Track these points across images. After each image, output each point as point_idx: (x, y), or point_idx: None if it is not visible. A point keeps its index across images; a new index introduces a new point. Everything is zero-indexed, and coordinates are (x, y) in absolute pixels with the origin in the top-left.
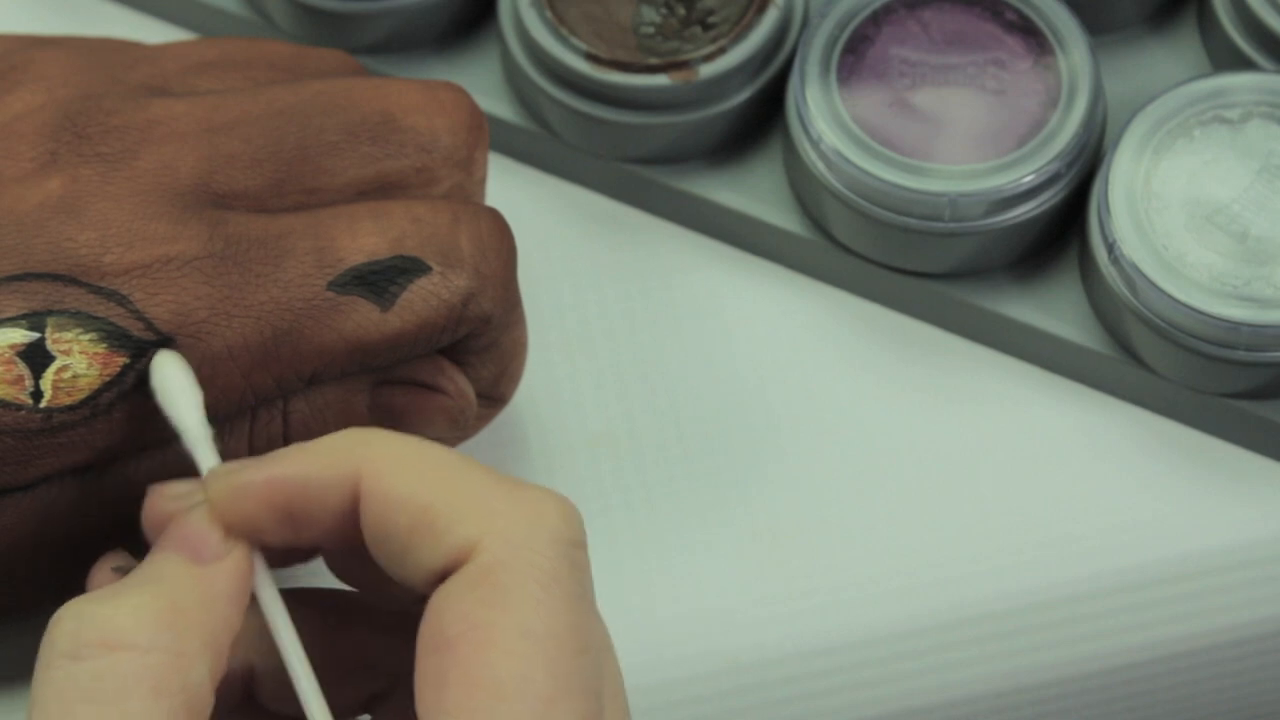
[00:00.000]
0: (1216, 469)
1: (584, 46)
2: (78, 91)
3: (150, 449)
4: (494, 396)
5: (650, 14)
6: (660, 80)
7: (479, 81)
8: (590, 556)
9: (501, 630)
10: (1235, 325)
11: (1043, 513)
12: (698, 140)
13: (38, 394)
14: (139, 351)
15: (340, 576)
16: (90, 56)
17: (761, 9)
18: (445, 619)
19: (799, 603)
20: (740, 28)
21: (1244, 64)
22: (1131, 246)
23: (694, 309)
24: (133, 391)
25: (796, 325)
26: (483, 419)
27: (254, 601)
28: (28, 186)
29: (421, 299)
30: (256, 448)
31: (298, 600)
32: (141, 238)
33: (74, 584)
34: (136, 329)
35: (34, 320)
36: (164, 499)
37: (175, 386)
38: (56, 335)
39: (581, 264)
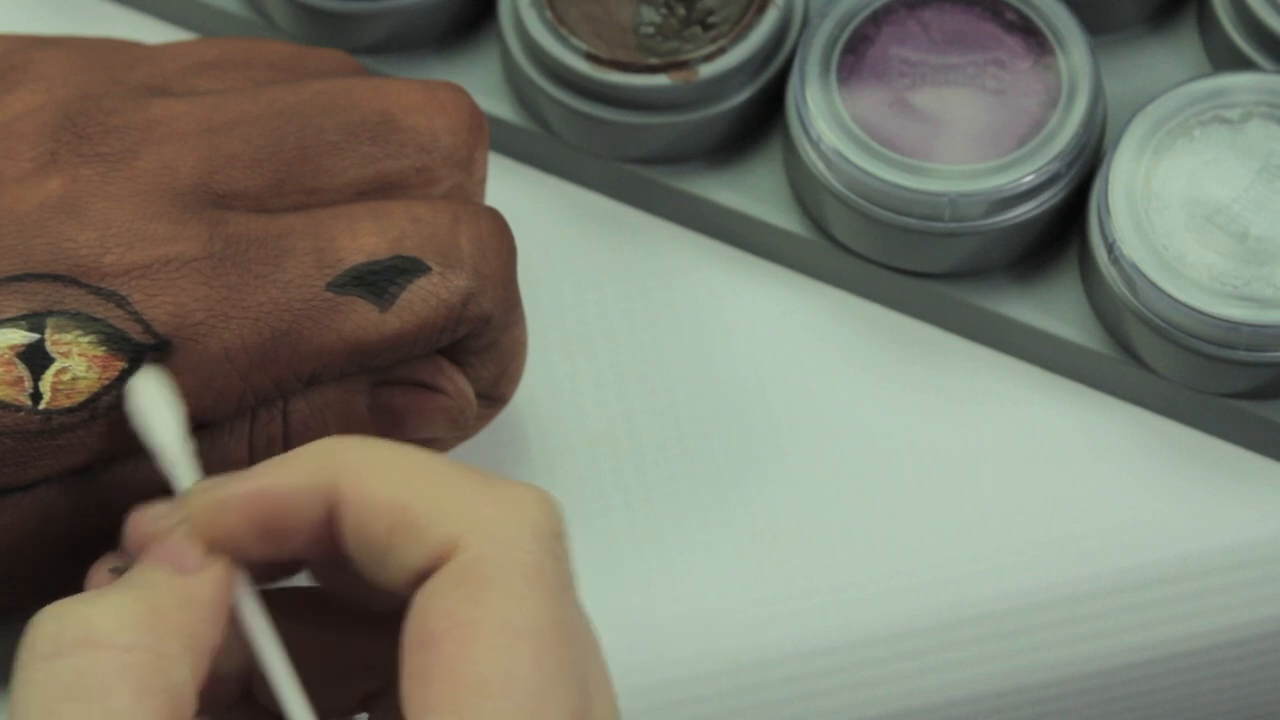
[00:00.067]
0: (1216, 469)
1: (584, 46)
2: (78, 91)
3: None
4: (494, 396)
5: (650, 14)
6: (660, 80)
7: (479, 81)
8: (590, 556)
9: (486, 626)
10: (1235, 325)
11: (1043, 513)
12: (698, 140)
13: (37, 395)
14: (137, 355)
15: (325, 588)
16: (90, 56)
17: (761, 9)
18: (429, 616)
19: (799, 603)
20: (740, 28)
21: (1244, 64)
22: (1131, 246)
23: (694, 309)
24: None
25: (796, 325)
26: (483, 419)
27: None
28: (28, 186)
29: (421, 299)
30: (256, 448)
31: (293, 600)
32: (141, 238)
33: (74, 584)
34: (135, 332)
35: (34, 321)
36: (145, 521)
37: (149, 408)
38: (56, 337)
39: (581, 264)
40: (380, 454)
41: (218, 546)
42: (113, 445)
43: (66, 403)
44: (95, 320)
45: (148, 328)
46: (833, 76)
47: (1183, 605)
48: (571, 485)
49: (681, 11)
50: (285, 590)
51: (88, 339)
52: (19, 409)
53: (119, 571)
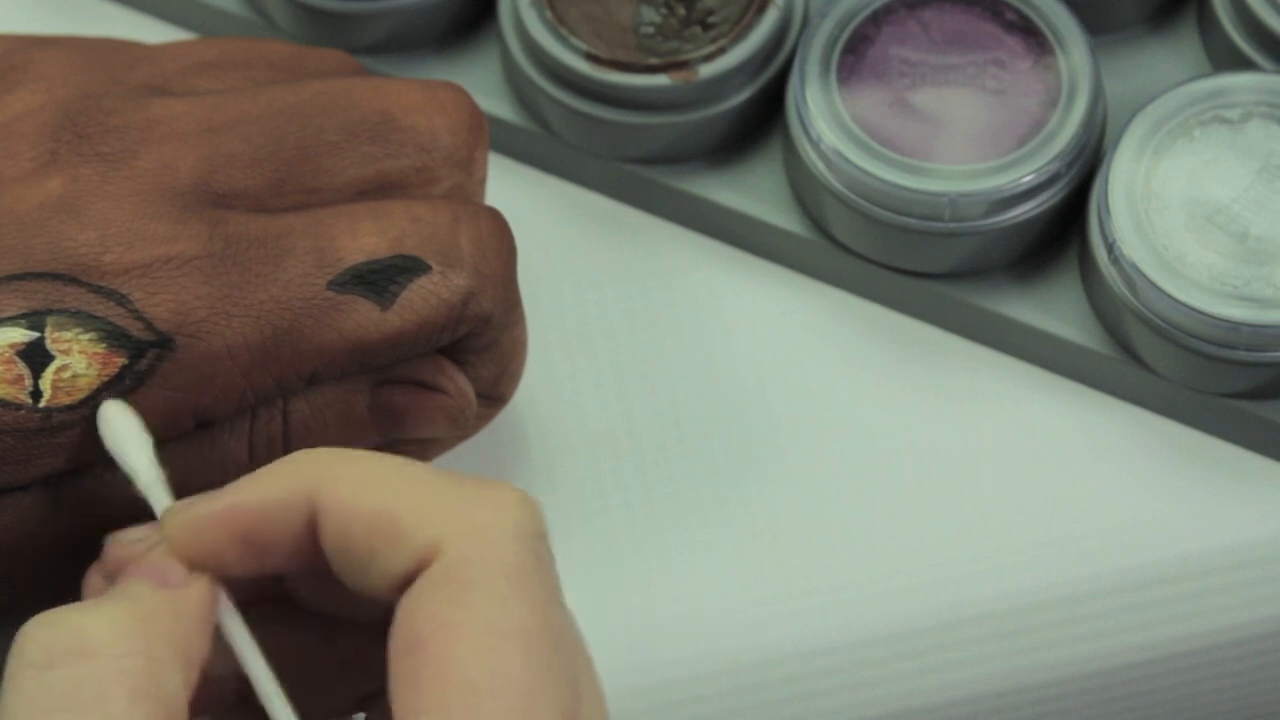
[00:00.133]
0: (1216, 469)
1: (584, 46)
2: (78, 91)
3: None
4: (494, 396)
5: (650, 14)
6: (660, 80)
7: (479, 81)
8: (590, 556)
9: (472, 628)
10: (1235, 325)
11: (1043, 513)
12: (698, 140)
13: (37, 393)
14: (138, 351)
15: (311, 603)
16: (90, 56)
17: (761, 9)
18: (415, 620)
19: (799, 603)
20: (740, 28)
21: (1244, 64)
22: (1131, 246)
23: (694, 309)
24: (131, 392)
25: (796, 325)
26: (483, 419)
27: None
28: (28, 186)
29: (421, 298)
30: (256, 447)
31: (288, 603)
32: (141, 237)
33: (74, 584)
34: (136, 329)
35: (34, 320)
36: (123, 546)
37: (123, 433)
38: (56, 335)
39: (581, 264)
40: (357, 462)
41: (198, 565)
42: None
43: (67, 400)
44: (95, 318)
45: (149, 325)
46: (833, 76)
47: (1183, 605)
48: (571, 485)
49: (681, 11)
50: (276, 595)
51: (88, 336)
52: (19, 407)
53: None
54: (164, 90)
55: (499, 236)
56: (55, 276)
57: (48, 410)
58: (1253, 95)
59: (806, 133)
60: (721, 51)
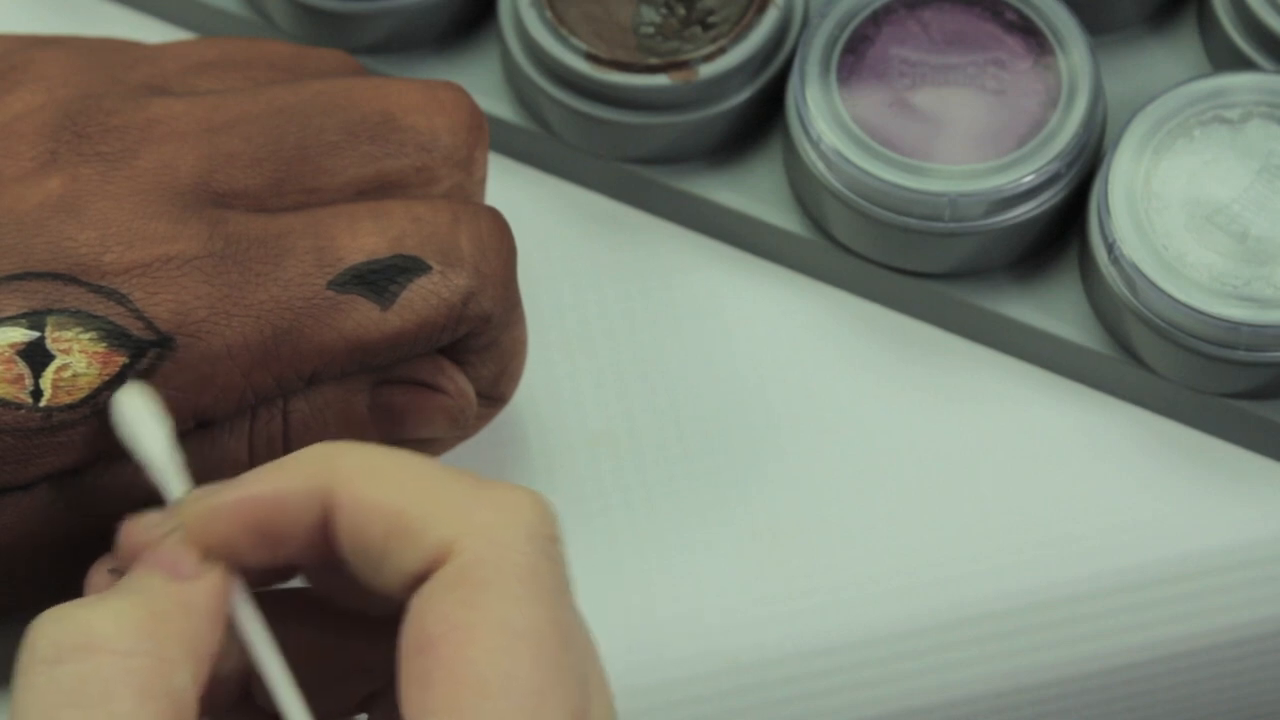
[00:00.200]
0: (1216, 469)
1: (584, 46)
2: (78, 91)
3: None
4: (494, 396)
5: (650, 14)
6: (660, 80)
7: (479, 81)
8: (590, 556)
9: (483, 628)
10: (1235, 325)
11: (1043, 513)
12: (698, 140)
13: (37, 393)
14: (139, 351)
15: (322, 593)
16: (90, 56)
17: (761, 9)
18: (426, 620)
19: (799, 603)
20: (740, 28)
21: (1244, 64)
22: (1131, 246)
23: (694, 309)
24: None
25: (796, 325)
26: (483, 418)
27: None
28: (28, 186)
29: (421, 298)
30: (256, 447)
31: (290, 602)
32: (141, 237)
33: (74, 584)
34: (136, 328)
35: (34, 319)
36: (138, 530)
37: (136, 419)
38: (56, 334)
39: (581, 264)
40: (374, 458)
41: (213, 553)
42: (113, 442)
43: (67, 399)
44: (95, 317)
45: (149, 324)
46: (833, 76)
47: (1183, 605)
48: (571, 485)
49: (681, 11)
50: (283, 592)
51: (88, 335)
52: (19, 406)
53: (118, 573)
54: (164, 90)
55: (499, 236)
56: (55, 276)
57: (48, 409)
58: (1253, 95)
59: (806, 133)
60: (721, 51)
